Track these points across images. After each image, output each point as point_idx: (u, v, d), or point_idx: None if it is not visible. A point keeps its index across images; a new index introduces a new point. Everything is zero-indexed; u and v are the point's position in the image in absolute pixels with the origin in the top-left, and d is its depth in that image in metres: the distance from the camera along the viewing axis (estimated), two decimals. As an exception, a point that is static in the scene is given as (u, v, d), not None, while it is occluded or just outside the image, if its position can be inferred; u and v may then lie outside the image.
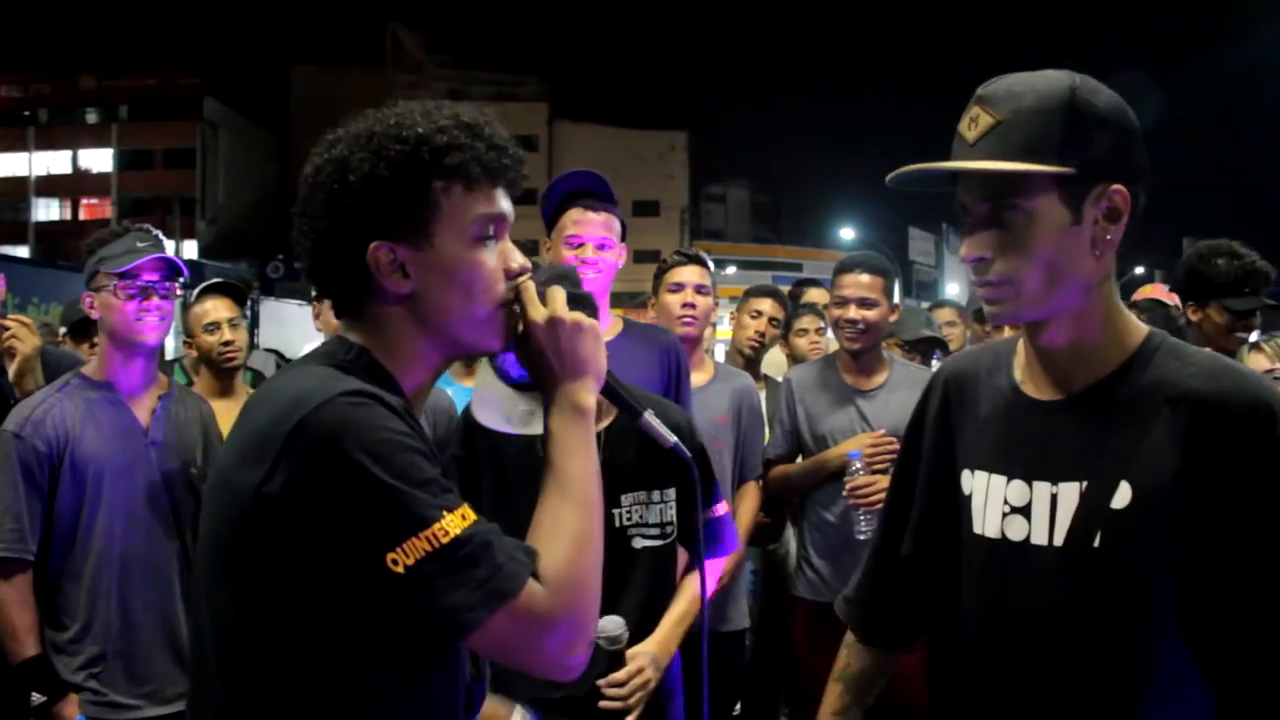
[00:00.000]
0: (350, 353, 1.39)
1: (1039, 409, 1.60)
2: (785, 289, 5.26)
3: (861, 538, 3.51)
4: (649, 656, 2.37)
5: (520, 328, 1.45)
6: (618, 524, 2.38)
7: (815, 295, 5.53)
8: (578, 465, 1.40)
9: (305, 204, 1.40)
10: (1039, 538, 1.54)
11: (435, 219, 1.37)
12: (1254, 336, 3.63)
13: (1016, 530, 1.57)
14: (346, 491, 1.21)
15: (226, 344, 3.83)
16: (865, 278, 3.59)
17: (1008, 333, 4.22)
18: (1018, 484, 1.58)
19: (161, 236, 3.01)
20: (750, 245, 52.49)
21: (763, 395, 4.27)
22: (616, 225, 2.99)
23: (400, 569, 1.20)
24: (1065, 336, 1.55)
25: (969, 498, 1.65)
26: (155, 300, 2.87)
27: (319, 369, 1.35)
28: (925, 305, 5.57)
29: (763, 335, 4.55)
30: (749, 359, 4.56)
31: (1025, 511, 1.56)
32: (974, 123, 1.52)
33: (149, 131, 47.45)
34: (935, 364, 5.17)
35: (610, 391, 1.53)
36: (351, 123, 1.42)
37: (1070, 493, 1.52)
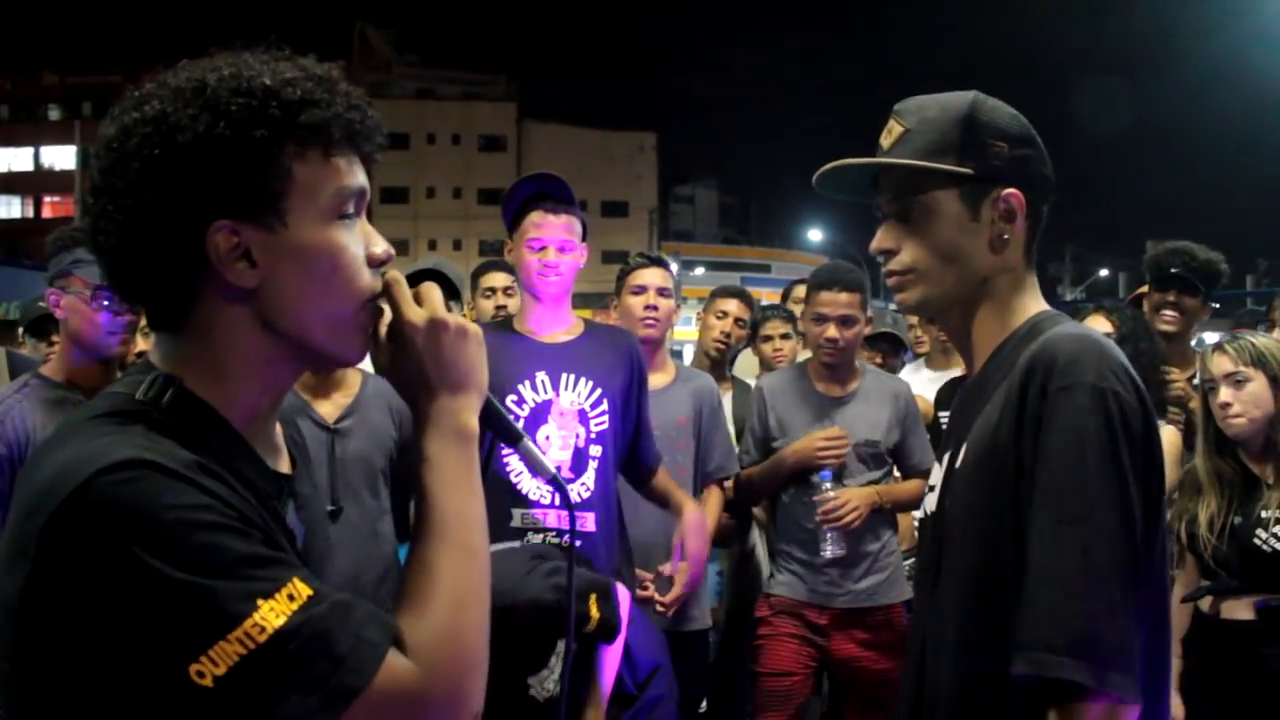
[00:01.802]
0: (150, 390, 1.10)
1: (959, 391, 1.81)
2: (753, 290, 5.27)
3: (827, 555, 3.55)
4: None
5: (384, 329, 1.20)
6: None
7: (804, 291, 5.56)
8: (458, 502, 1.17)
9: (110, 177, 1.10)
10: (931, 507, 1.71)
11: (289, 192, 1.11)
12: (1213, 337, 3.73)
13: (931, 505, 1.72)
14: (126, 597, 0.95)
15: (141, 354, 3.79)
16: (844, 296, 3.65)
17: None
18: (936, 465, 1.77)
19: None
20: (718, 246, 52.64)
21: (729, 397, 4.28)
22: (577, 226, 3.06)
23: (208, 681, 0.94)
24: (964, 323, 1.71)
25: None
26: (127, 316, 2.86)
27: (89, 427, 1.06)
28: (894, 307, 5.60)
29: (728, 336, 4.56)
30: (715, 360, 4.57)
31: (935, 488, 1.72)
32: (888, 133, 1.71)
33: (113, 128, 46.97)
34: (907, 362, 5.21)
35: (488, 411, 1.26)
36: (168, 74, 1.13)
37: (946, 461, 1.69)
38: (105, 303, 2.80)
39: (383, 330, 1.20)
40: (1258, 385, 2.93)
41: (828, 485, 3.56)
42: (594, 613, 2.30)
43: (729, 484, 3.87)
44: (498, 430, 1.31)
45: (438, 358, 1.19)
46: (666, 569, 3.19)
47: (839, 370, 3.75)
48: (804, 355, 4.89)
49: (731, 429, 4.06)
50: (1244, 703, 2.82)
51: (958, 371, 4.68)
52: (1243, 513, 2.89)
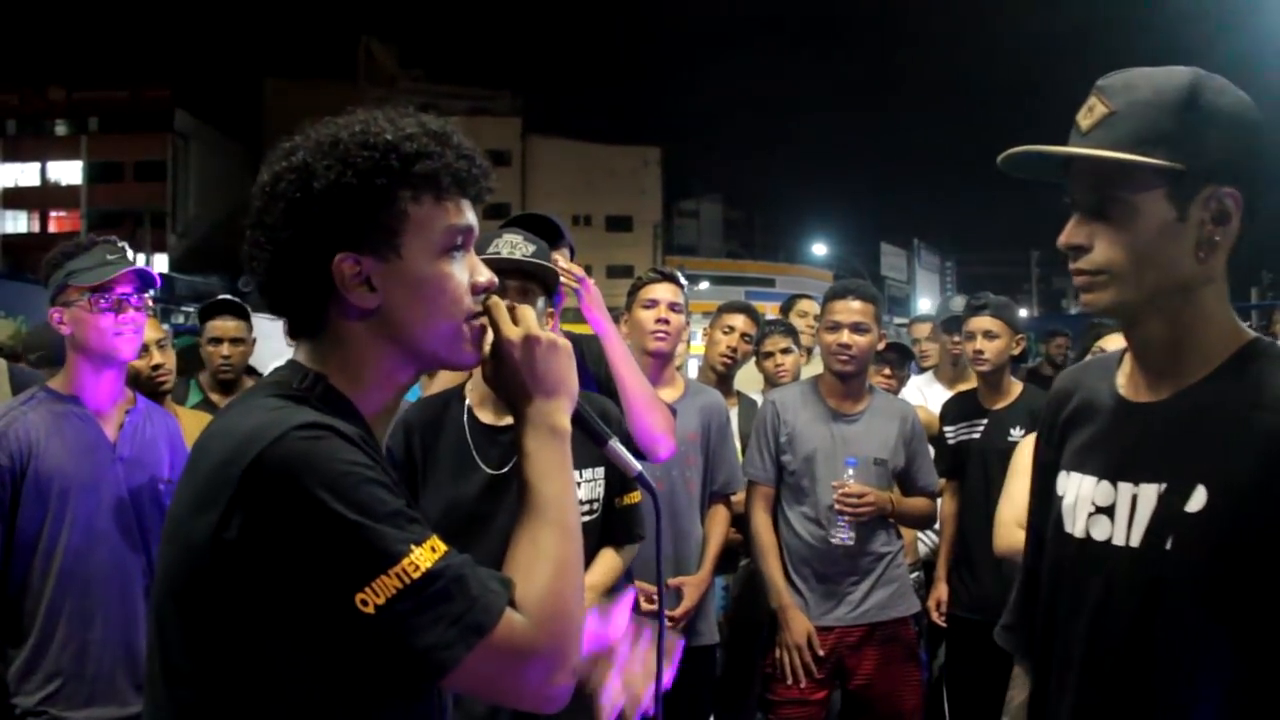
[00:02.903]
0: (304, 380, 1.33)
1: (1131, 410, 1.60)
2: (757, 304, 5.28)
3: (835, 542, 3.58)
4: None
5: (488, 346, 1.41)
6: None
7: (807, 305, 5.59)
8: (556, 488, 1.36)
9: (262, 215, 1.33)
10: (1119, 538, 1.53)
11: (403, 230, 1.32)
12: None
13: (1100, 530, 1.56)
14: (309, 532, 1.15)
15: (156, 367, 3.78)
16: (857, 304, 3.71)
17: (981, 342, 4.29)
18: (1104, 484, 1.58)
19: (127, 248, 2.98)
20: (723, 260, 52.67)
21: (734, 412, 4.30)
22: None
23: (370, 609, 1.14)
24: (1159, 336, 1.53)
25: (1061, 498, 1.66)
26: (130, 313, 2.84)
27: (269, 401, 1.28)
28: (900, 321, 5.63)
29: (735, 351, 4.57)
30: (721, 375, 4.58)
31: (1109, 512, 1.55)
32: (1090, 111, 1.51)
33: (119, 144, 47.04)
34: (913, 374, 5.22)
35: (578, 415, 1.48)
36: (312, 130, 1.36)
37: (1150, 494, 1.50)
38: (103, 304, 2.79)
39: (486, 347, 1.41)
40: None
41: (850, 473, 3.61)
42: None
43: (736, 498, 3.89)
44: (587, 431, 1.51)
45: (532, 368, 1.40)
46: (674, 583, 3.21)
47: (851, 384, 3.77)
48: (806, 370, 4.91)
49: (737, 444, 4.06)
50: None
51: (965, 386, 4.68)
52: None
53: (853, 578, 3.69)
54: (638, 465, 1.57)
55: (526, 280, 2.62)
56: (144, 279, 2.89)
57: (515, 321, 1.42)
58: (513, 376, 1.40)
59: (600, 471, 2.69)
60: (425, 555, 1.18)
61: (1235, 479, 1.41)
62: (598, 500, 2.69)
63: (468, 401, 2.69)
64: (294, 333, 1.39)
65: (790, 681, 3.63)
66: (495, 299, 1.42)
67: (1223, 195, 1.45)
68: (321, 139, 1.33)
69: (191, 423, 3.52)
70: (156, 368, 3.77)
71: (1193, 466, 1.46)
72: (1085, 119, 1.52)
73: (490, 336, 1.41)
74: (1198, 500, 1.44)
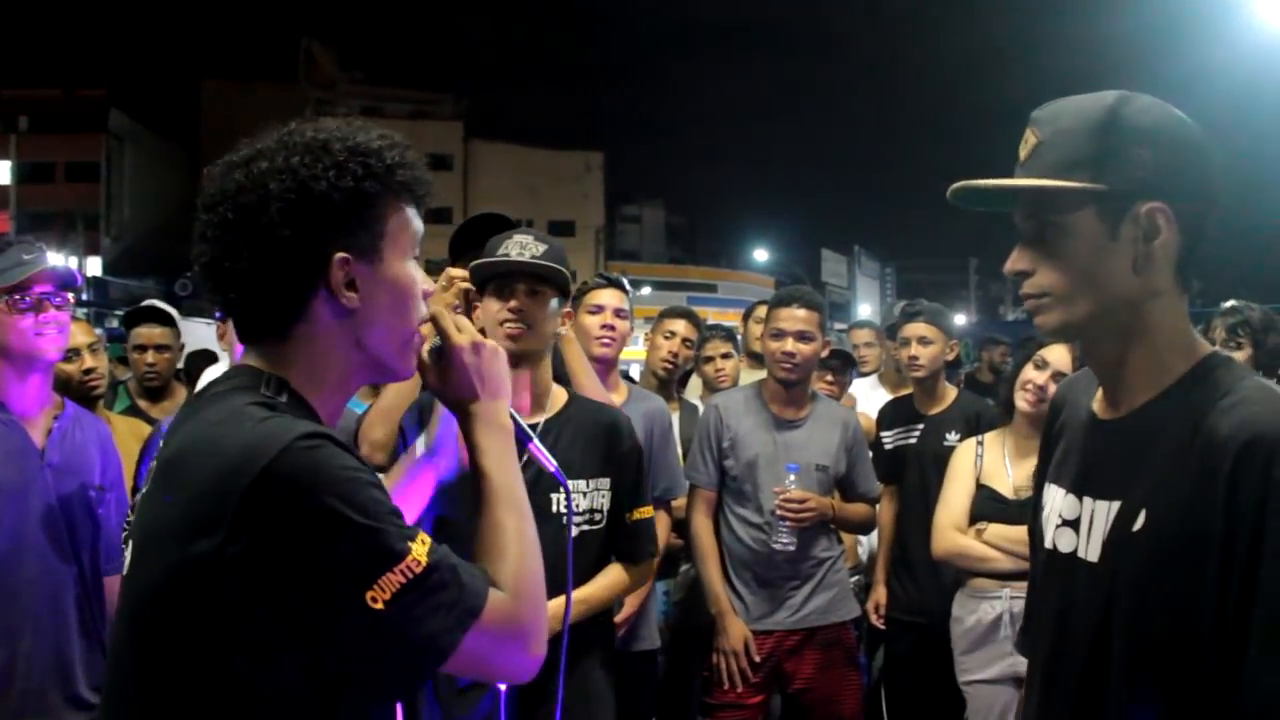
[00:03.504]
0: (269, 385, 1.36)
1: (1096, 426, 1.65)
2: (699, 310, 5.30)
3: (777, 547, 3.60)
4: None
5: (427, 351, 1.52)
6: (554, 509, 2.51)
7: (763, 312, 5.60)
8: (509, 476, 1.48)
9: (250, 214, 1.34)
10: (1082, 551, 1.59)
11: (384, 234, 1.40)
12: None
13: (1066, 542, 1.62)
14: (323, 539, 1.20)
15: (87, 371, 3.71)
16: (802, 312, 3.73)
17: (916, 348, 4.34)
18: (1071, 498, 1.64)
19: (45, 247, 2.90)
20: (665, 266, 52.76)
21: (676, 417, 4.30)
22: None
23: (380, 605, 1.21)
24: (1110, 354, 1.58)
25: (1042, 510, 1.72)
26: (51, 313, 2.77)
27: (251, 410, 1.30)
28: (840, 327, 5.66)
29: (676, 356, 4.58)
30: (662, 380, 4.58)
31: (1075, 525, 1.61)
32: (1025, 144, 1.58)
33: (51, 144, 46.00)
34: (855, 380, 5.25)
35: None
36: (282, 133, 1.40)
37: (1106, 511, 1.55)
38: (22, 305, 2.72)
39: (424, 354, 1.52)
40: None
41: (792, 479, 3.63)
42: None
43: (677, 504, 3.89)
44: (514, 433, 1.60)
45: (480, 371, 1.52)
46: None
47: (794, 391, 3.80)
48: (747, 375, 4.93)
49: (679, 449, 4.07)
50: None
51: (909, 390, 4.73)
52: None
53: (793, 582, 3.71)
54: (554, 463, 1.71)
55: (537, 282, 2.60)
56: (64, 279, 2.81)
57: (459, 330, 1.53)
58: (462, 379, 1.52)
59: (606, 483, 2.68)
60: (421, 549, 1.25)
61: (1168, 503, 1.45)
62: (601, 511, 2.67)
63: None
64: (253, 335, 1.42)
65: (727, 686, 3.64)
66: (439, 309, 1.52)
67: (1152, 211, 1.49)
68: (308, 142, 1.38)
69: (124, 429, 3.46)
70: (88, 372, 3.70)
71: (1138, 487, 1.50)
72: (1022, 151, 1.58)
73: (426, 349, 1.52)
74: (1140, 520, 1.49)
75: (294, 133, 1.40)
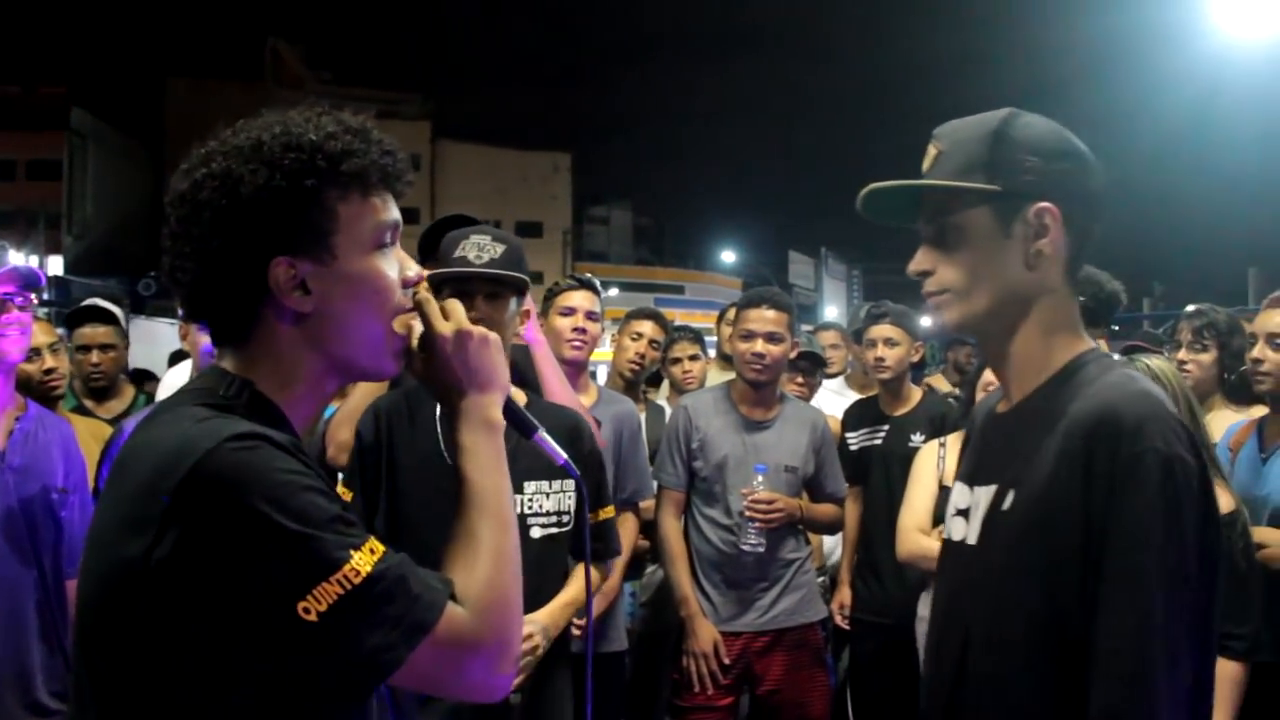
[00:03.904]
0: (230, 387, 1.30)
1: (993, 420, 1.79)
2: (667, 312, 5.30)
3: (745, 549, 3.61)
4: (539, 626, 2.56)
5: (415, 341, 1.41)
6: (519, 510, 2.51)
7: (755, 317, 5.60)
8: (493, 481, 1.38)
9: (187, 224, 1.29)
10: (971, 537, 1.68)
11: (334, 230, 1.31)
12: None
13: (959, 531, 1.72)
14: (250, 545, 1.13)
15: (48, 372, 3.67)
16: (771, 313, 3.74)
17: (882, 350, 4.36)
18: (964, 488, 1.74)
19: (9, 247, 2.87)
20: (633, 267, 52.76)
21: (642, 417, 4.30)
22: None
23: (313, 617, 1.13)
24: (1002, 349, 1.70)
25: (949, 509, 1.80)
26: (14, 313, 2.73)
27: (194, 411, 1.25)
28: (807, 328, 5.67)
29: (642, 357, 4.59)
30: (629, 381, 4.59)
31: (966, 514, 1.71)
32: (927, 156, 1.72)
33: (11, 141, 45.39)
34: (821, 383, 5.27)
35: (507, 406, 1.49)
36: (227, 134, 1.34)
37: (986, 496, 1.67)
38: None
39: (414, 342, 1.41)
40: None
41: (760, 479, 3.64)
42: None
43: (644, 505, 3.90)
44: (515, 422, 1.52)
45: (465, 362, 1.41)
46: None
47: (763, 392, 3.81)
48: (717, 376, 4.94)
49: (646, 451, 4.08)
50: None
51: (875, 392, 4.75)
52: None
53: (762, 584, 3.72)
54: (564, 455, 1.59)
55: (496, 285, 2.59)
56: (28, 278, 2.78)
57: (445, 316, 1.42)
58: (445, 371, 1.41)
59: (570, 484, 2.67)
60: (364, 559, 1.17)
61: (1033, 483, 1.57)
62: (568, 513, 2.67)
63: None
64: (219, 339, 1.36)
65: (697, 689, 3.65)
66: (425, 294, 1.42)
67: (1041, 211, 1.62)
68: (241, 143, 1.31)
69: (84, 429, 3.42)
70: (49, 372, 3.66)
71: (1012, 471, 1.62)
72: (925, 162, 1.71)
73: (417, 332, 1.41)
74: (1008, 500, 1.61)
75: (239, 131, 1.34)
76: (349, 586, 1.15)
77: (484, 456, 1.40)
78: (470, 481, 1.38)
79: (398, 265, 1.38)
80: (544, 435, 1.58)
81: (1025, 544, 1.56)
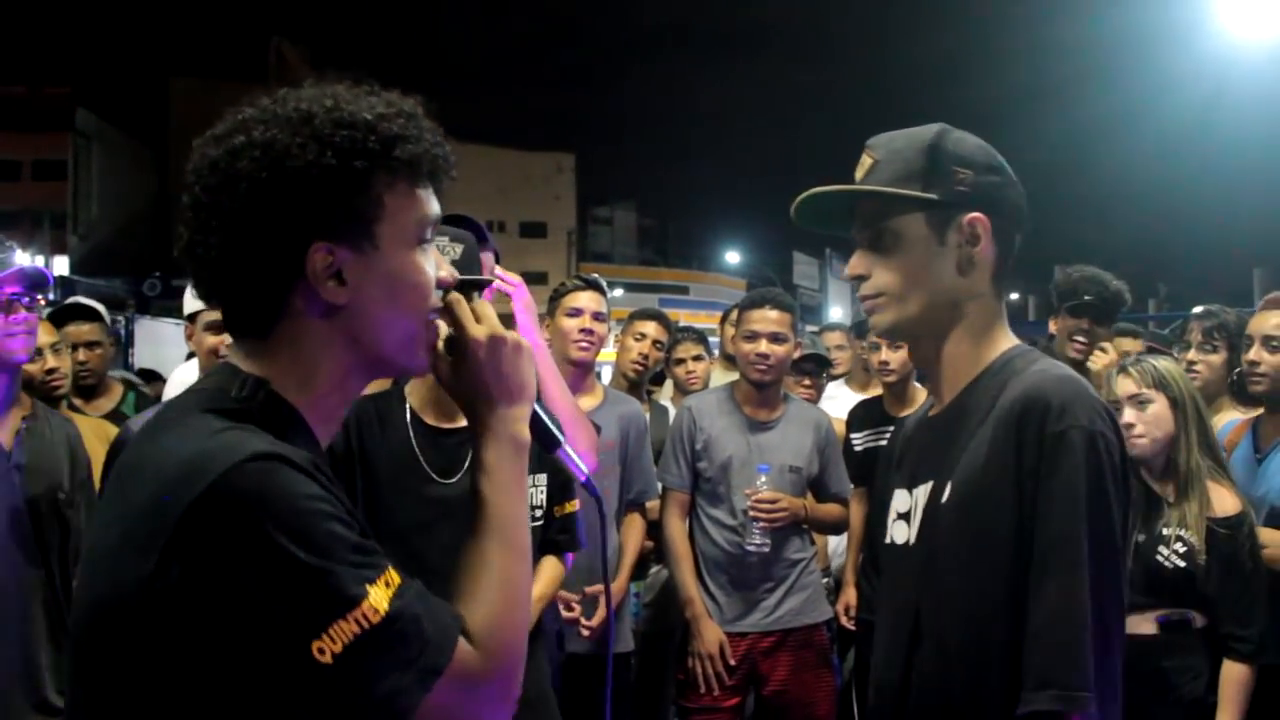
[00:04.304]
0: (244, 388, 1.18)
1: (924, 424, 1.86)
2: (671, 312, 5.30)
3: (750, 549, 3.61)
4: None
5: (441, 344, 1.32)
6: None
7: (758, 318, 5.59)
8: (512, 506, 1.28)
9: (216, 194, 1.18)
10: (911, 539, 1.73)
11: (380, 219, 1.21)
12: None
13: (900, 534, 1.76)
14: (264, 578, 1.04)
15: (50, 372, 3.67)
16: (774, 314, 3.75)
17: (886, 352, 4.36)
18: (903, 492, 1.78)
19: (16, 247, 2.87)
20: (637, 268, 52.73)
21: (646, 418, 4.31)
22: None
23: (328, 658, 1.04)
24: (933, 352, 1.77)
25: (886, 517, 1.83)
26: (21, 313, 2.74)
27: (208, 420, 1.14)
28: (812, 329, 5.65)
29: (646, 358, 4.59)
30: (633, 381, 4.59)
31: (907, 517, 1.75)
32: (860, 166, 1.78)
33: (16, 142, 45.44)
34: (825, 384, 5.26)
35: (534, 419, 1.39)
36: (267, 102, 1.23)
37: (924, 493, 1.72)
38: None
39: (440, 345, 1.32)
40: (1159, 407, 3.02)
41: (763, 479, 3.64)
42: None
43: (650, 505, 3.90)
44: (540, 436, 1.41)
45: (498, 371, 1.31)
46: (592, 590, 3.20)
47: (767, 393, 3.81)
48: (721, 377, 4.94)
49: (651, 451, 4.08)
50: (1146, 714, 2.89)
51: (877, 391, 4.75)
52: (1145, 530, 2.97)
53: (767, 584, 3.72)
54: (585, 471, 1.51)
55: (461, 288, 2.57)
56: (36, 279, 2.78)
57: (478, 319, 1.32)
58: (474, 379, 1.31)
59: (544, 478, 2.67)
60: (382, 594, 1.09)
61: (969, 473, 1.64)
62: (540, 507, 2.67)
63: (409, 403, 2.58)
64: (237, 331, 1.26)
65: (703, 690, 3.65)
66: (457, 295, 1.32)
67: (973, 220, 1.71)
68: (288, 113, 1.20)
69: (88, 429, 3.43)
70: (50, 372, 3.66)
71: (948, 466, 1.68)
72: (858, 172, 1.78)
73: (443, 333, 1.32)
74: (946, 493, 1.67)
75: (279, 100, 1.22)
76: (366, 625, 1.06)
77: (506, 478, 1.29)
78: (488, 504, 1.28)
79: (434, 263, 1.29)
80: (568, 450, 1.47)
81: (962, 530, 1.62)
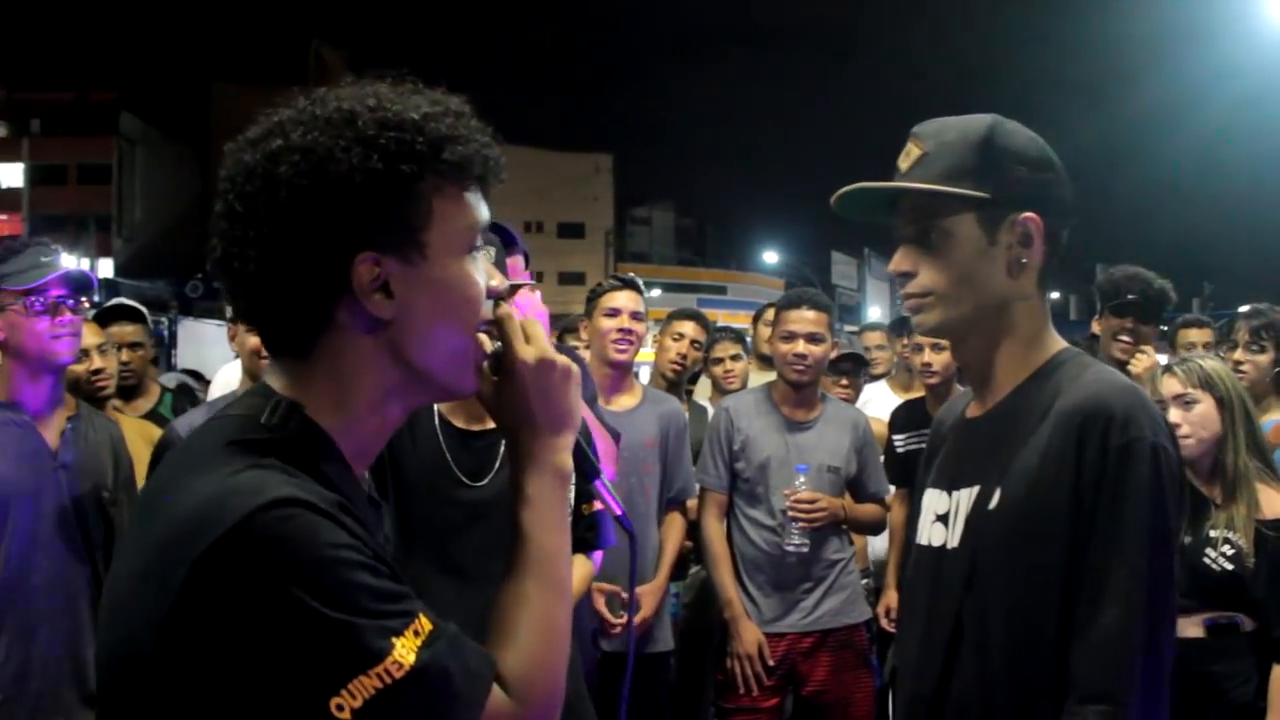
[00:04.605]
0: (275, 414, 1.11)
1: (966, 425, 1.80)
2: (709, 312, 5.30)
3: (789, 549, 3.60)
4: None
5: (487, 364, 1.23)
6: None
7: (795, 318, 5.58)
8: (554, 541, 1.22)
9: (253, 203, 1.10)
10: (950, 542, 1.69)
11: (428, 226, 1.13)
12: (1163, 359, 3.79)
13: (938, 536, 1.71)
14: (281, 633, 0.97)
15: (96, 372, 3.71)
16: (811, 314, 3.74)
17: (929, 355, 4.34)
18: (942, 494, 1.73)
19: (62, 250, 2.91)
20: (675, 268, 52.76)
21: (686, 417, 4.30)
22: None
23: (346, 714, 0.98)
24: (979, 353, 1.72)
25: (918, 516, 1.80)
26: (67, 316, 2.77)
27: (230, 457, 1.06)
28: (851, 329, 5.62)
29: (684, 358, 4.59)
30: (671, 381, 4.59)
31: (945, 519, 1.71)
32: (907, 155, 1.70)
33: (63, 146, 46.21)
34: (863, 384, 5.24)
35: (575, 447, 1.31)
36: (304, 103, 1.15)
37: (968, 497, 1.67)
38: (38, 308, 2.72)
39: (486, 363, 1.23)
40: (1205, 407, 2.98)
41: (801, 480, 3.63)
42: None
43: (691, 505, 3.90)
44: (580, 464, 1.33)
45: (545, 396, 1.23)
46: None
47: (804, 393, 3.80)
48: (755, 377, 4.93)
49: (690, 450, 4.08)
50: (1193, 718, 2.85)
51: (919, 392, 4.71)
52: (1192, 533, 2.93)
53: (806, 584, 3.70)
54: (620, 507, 1.42)
55: None
56: (81, 281, 2.82)
57: (527, 339, 1.24)
58: (520, 402, 1.23)
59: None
60: (408, 645, 1.01)
61: (1021, 480, 1.60)
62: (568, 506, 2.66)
63: (436, 407, 2.55)
64: (275, 349, 1.17)
65: (742, 690, 3.64)
66: (508, 310, 1.24)
67: (1026, 221, 1.64)
68: (329, 115, 1.12)
69: (132, 431, 3.47)
70: (97, 373, 3.71)
71: (997, 471, 1.63)
72: (904, 161, 1.70)
73: (488, 349, 1.24)
74: (995, 499, 1.62)
75: (318, 101, 1.15)
76: (390, 680, 0.99)
77: (548, 510, 1.23)
78: (528, 538, 1.21)
79: (485, 273, 1.21)
80: (605, 483, 1.41)
81: (1014, 538, 1.59)
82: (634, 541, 1.46)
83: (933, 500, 1.76)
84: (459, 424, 2.52)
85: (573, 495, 2.64)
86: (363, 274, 1.10)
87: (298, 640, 0.98)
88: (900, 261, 1.70)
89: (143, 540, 1.07)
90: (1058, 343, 1.72)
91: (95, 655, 1.13)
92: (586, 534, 2.69)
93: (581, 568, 2.70)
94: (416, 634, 1.03)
